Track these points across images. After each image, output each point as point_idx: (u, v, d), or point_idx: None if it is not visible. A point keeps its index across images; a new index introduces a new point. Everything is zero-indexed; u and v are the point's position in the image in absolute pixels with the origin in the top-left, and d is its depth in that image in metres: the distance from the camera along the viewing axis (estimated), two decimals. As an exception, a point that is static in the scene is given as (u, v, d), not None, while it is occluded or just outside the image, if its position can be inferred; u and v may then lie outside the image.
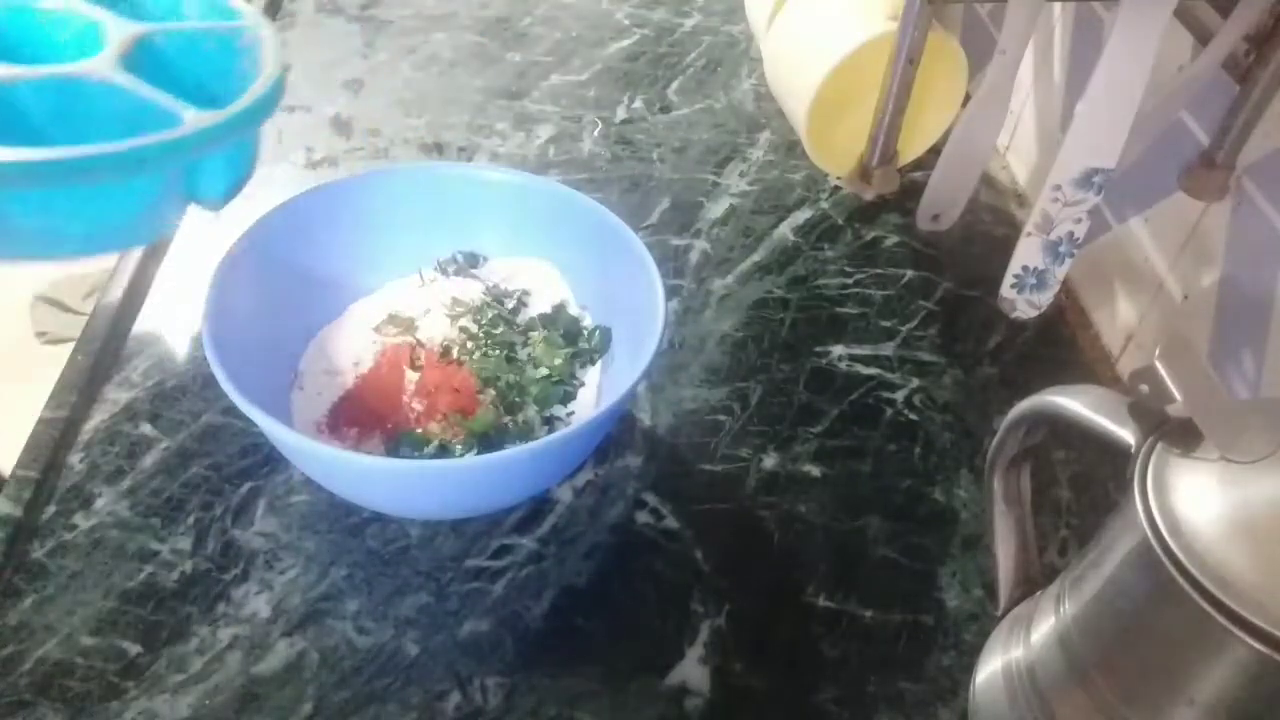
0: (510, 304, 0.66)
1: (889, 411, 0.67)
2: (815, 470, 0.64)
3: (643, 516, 0.60)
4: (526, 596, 0.56)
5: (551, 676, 0.53)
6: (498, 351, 0.63)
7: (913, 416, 0.67)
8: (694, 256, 0.78)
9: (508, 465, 0.54)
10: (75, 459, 0.61)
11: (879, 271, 0.77)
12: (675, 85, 0.95)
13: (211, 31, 0.54)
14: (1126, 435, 0.41)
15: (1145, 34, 0.56)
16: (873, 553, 0.60)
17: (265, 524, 0.58)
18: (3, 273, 1.71)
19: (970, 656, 0.53)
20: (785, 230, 0.80)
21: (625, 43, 1.00)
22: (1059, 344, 0.73)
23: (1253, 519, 0.36)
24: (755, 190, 0.84)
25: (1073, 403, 0.44)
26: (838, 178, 0.84)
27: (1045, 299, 0.69)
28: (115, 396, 0.64)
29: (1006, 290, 0.69)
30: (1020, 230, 0.66)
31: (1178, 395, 0.38)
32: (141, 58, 0.50)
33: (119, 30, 0.50)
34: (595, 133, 0.89)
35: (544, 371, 0.62)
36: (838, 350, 0.71)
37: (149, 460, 0.61)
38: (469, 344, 0.63)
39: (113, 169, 0.44)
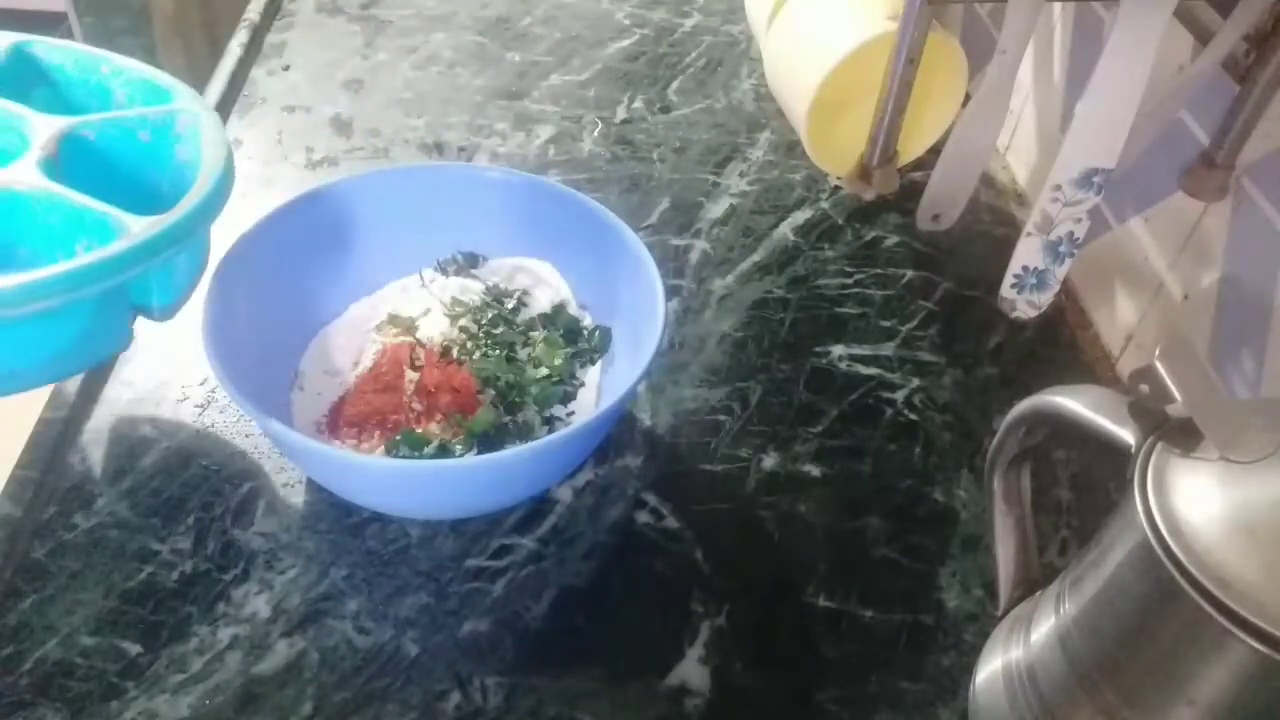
0: (510, 304, 0.66)
1: (889, 411, 0.67)
2: (815, 470, 0.64)
3: (643, 516, 0.60)
4: (526, 596, 0.56)
5: (551, 676, 0.53)
6: (498, 351, 0.63)
7: (913, 416, 0.67)
8: (694, 256, 0.78)
9: (508, 465, 0.54)
10: (75, 459, 0.61)
11: (879, 271, 0.77)
12: (675, 85, 0.95)
13: (144, 119, 0.50)
14: (1126, 435, 0.41)
15: (1145, 34, 0.56)
16: (873, 553, 0.60)
17: (265, 524, 0.58)
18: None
19: (970, 656, 0.53)
20: (785, 230, 0.80)
21: (625, 43, 1.00)
22: (1059, 344, 0.73)
23: (1253, 519, 0.36)
24: (755, 190, 0.84)
25: (1073, 403, 0.44)
26: (838, 178, 0.84)
27: (1045, 299, 0.69)
28: (115, 396, 0.64)
29: (1006, 290, 0.69)
30: (1020, 230, 0.66)
31: (1178, 395, 0.39)
32: (71, 156, 0.45)
33: (43, 127, 0.45)
34: (595, 133, 0.89)
35: (544, 371, 0.62)
36: (838, 350, 0.71)
37: (149, 460, 0.61)
38: (469, 344, 0.63)
39: (48, 294, 0.38)
